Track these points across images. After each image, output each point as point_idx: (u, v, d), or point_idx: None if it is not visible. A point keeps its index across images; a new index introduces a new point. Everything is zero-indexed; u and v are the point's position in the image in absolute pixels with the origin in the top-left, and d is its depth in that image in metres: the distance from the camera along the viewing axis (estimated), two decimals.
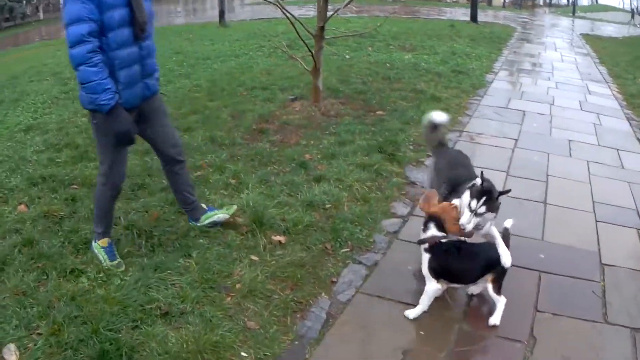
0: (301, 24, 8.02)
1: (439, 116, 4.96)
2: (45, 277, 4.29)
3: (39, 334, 3.70)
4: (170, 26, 20.82)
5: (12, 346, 3.65)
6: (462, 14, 26.29)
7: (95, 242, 4.48)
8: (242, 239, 4.79)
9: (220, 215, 4.83)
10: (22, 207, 5.49)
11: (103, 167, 4.27)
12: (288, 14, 8.00)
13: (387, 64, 12.07)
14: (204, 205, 4.89)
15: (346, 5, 8.63)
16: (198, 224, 4.81)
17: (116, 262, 4.36)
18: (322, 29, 8.08)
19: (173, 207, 5.19)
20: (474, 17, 22.82)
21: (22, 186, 5.91)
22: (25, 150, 7.14)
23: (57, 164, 6.46)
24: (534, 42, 18.95)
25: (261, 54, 13.06)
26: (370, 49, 13.92)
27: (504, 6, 46.66)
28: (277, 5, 8.18)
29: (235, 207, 4.93)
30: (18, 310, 3.91)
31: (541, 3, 59.90)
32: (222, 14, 19.75)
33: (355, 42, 14.13)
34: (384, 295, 4.20)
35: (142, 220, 4.98)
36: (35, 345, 3.60)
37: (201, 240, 4.73)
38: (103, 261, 4.37)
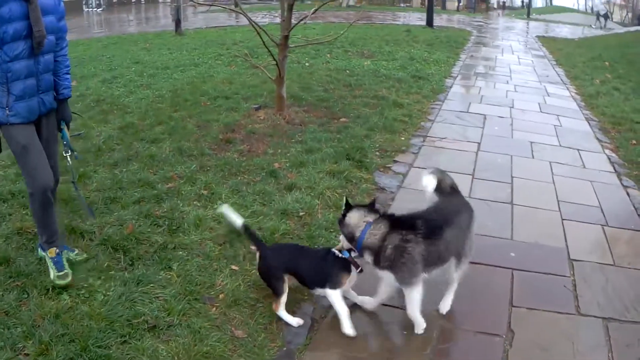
0: (266, 32, 8.16)
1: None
2: (26, 296, 4.25)
3: (26, 355, 3.68)
4: (124, 35, 20.63)
5: None
6: (417, 19, 26.71)
7: (44, 252, 4.51)
8: (220, 249, 4.89)
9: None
10: None
11: (24, 175, 4.33)
12: (254, 24, 8.15)
13: (347, 71, 12.32)
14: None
15: (313, 13, 8.77)
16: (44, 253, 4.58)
17: (64, 272, 4.36)
18: (286, 37, 8.25)
19: (148, 220, 5.27)
20: (429, 22, 23.23)
21: None
22: None
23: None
24: (490, 46, 19.45)
25: (220, 62, 13.15)
26: (329, 55, 14.17)
27: (458, 10, 47.42)
28: (243, 15, 8.34)
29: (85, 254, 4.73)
30: (2, 330, 3.87)
31: (495, 6, 61.01)
32: (178, 22, 19.73)
33: (313, 49, 14.31)
34: None
35: (118, 234, 5.01)
36: None
37: (180, 252, 4.80)
38: (51, 272, 4.39)
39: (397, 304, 4.21)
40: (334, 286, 3.99)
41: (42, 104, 4.22)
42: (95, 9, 36.18)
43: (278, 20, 17.20)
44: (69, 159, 4.59)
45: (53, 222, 4.50)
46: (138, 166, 6.51)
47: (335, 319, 4.03)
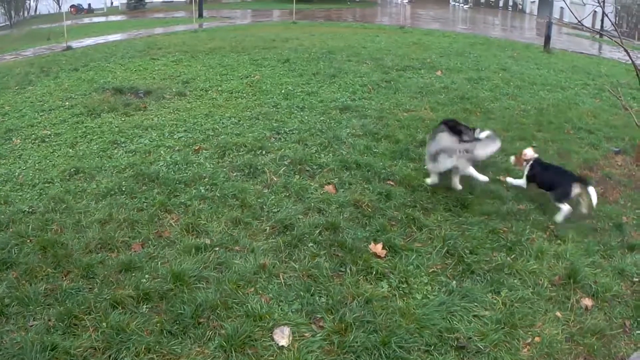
0: None
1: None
2: (343, 270, 4.03)
3: (321, 327, 3.46)
4: (491, 38, 19.60)
5: (286, 329, 3.40)
6: None
7: None
8: (552, 290, 4.21)
9: None
10: (329, 188, 5.22)
11: None
12: (634, 64, 7.05)
13: None
14: None
15: None
16: None
17: None
18: None
19: (493, 236, 4.78)
20: None
21: (333, 166, 5.64)
22: (340, 130, 6.84)
23: (374, 154, 6.10)
24: None
25: (586, 92, 11.53)
26: None
27: None
28: (625, 51, 7.24)
29: None
30: (304, 294, 3.69)
31: None
32: (547, 39, 18.02)
33: None
34: None
35: (460, 240, 4.60)
36: (312, 336, 3.38)
37: (512, 280, 4.23)
38: None
39: None
40: None
41: None
42: (462, 5, 35.26)
43: None
44: None
45: None
46: (491, 179, 5.75)
47: None
